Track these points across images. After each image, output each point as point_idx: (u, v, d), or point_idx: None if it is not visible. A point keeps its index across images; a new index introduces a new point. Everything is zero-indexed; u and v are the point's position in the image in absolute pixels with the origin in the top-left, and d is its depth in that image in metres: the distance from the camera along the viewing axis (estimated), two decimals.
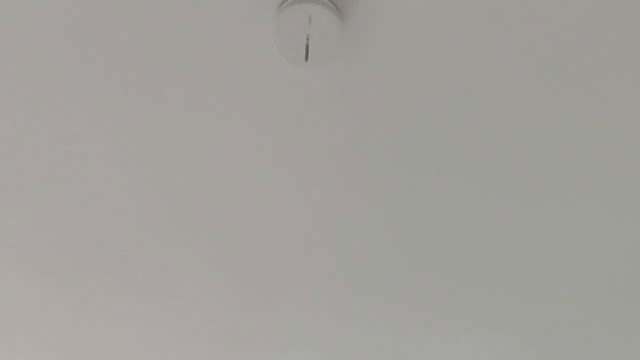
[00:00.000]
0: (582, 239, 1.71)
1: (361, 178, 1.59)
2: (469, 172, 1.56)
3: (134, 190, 1.65)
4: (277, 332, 2.07)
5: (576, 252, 1.75)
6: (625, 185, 1.56)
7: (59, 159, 1.58)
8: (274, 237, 1.76)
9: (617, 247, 1.72)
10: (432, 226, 1.70)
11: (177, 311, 2.02)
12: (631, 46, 1.30)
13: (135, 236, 1.77)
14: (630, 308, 1.90)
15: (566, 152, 1.50)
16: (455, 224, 1.69)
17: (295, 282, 1.89)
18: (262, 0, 1.26)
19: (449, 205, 1.64)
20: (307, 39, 1.25)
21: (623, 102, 1.39)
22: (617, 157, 1.51)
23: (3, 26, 1.32)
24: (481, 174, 1.56)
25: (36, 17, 1.31)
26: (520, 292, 1.88)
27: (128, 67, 1.39)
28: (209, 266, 1.86)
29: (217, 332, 2.08)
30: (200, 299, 1.97)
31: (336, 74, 1.38)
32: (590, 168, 1.53)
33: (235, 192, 1.64)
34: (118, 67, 1.39)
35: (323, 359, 2.14)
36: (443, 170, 1.56)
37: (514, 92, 1.39)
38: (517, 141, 1.49)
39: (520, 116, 1.44)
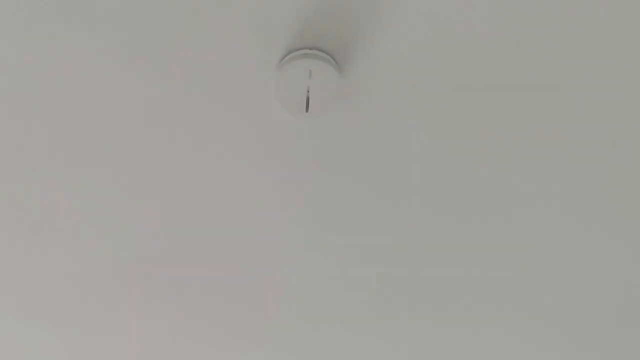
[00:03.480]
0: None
1: (362, 227, 1.62)
2: (473, 208, 1.59)
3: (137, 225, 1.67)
4: None
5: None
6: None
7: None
8: (274, 282, 1.78)
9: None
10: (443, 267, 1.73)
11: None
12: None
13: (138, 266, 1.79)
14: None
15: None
16: (464, 259, 1.72)
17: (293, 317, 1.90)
18: (263, 56, 1.31)
19: (456, 242, 1.67)
20: (308, 91, 1.30)
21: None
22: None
23: None
24: (488, 202, 1.60)
25: None
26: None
27: (128, 119, 1.43)
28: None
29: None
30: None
31: (336, 124, 1.42)
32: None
33: (235, 241, 1.67)
34: (115, 124, 1.43)
35: None
36: (447, 208, 1.59)
37: (517, 134, 1.44)
38: (527, 158, 1.53)
39: (527, 147, 1.48)
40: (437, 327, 1.89)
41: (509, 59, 1.30)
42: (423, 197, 1.55)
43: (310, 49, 1.30)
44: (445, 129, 1.42)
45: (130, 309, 1.87)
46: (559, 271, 1.71)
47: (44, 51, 1.31)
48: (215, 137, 1.45)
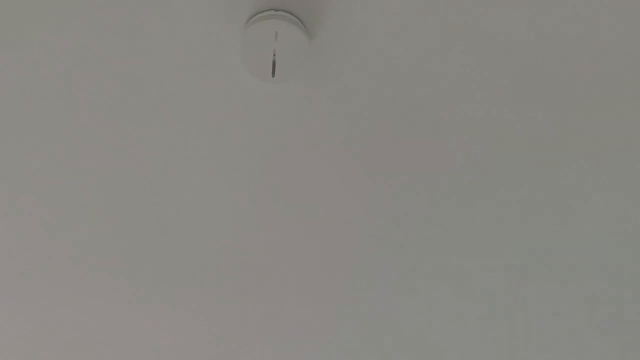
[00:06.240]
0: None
1: (329, 195, 1.59)
2: (443, 177, 1.57)
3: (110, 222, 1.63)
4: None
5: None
6: None
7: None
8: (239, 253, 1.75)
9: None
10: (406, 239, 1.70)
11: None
12: None
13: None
14: None
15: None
16: (439, 237, 1.69)
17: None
18: (229, 17, 1.27)
19: (425, 216, 1.65)
20: (274, 55, 1.26)
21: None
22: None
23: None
24: (455, 177, 1.57)
25: None
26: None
27: (93, 99, 1.38)
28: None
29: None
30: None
31: (304, 90, 1.38)
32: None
33: (201, 209, 1.63)
34: (87, 102, 1.38)
35: None
36: (416, 177, 1.56)
37: (483, 109, 1.41)
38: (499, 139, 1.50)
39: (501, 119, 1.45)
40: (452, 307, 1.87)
41: (479, 31, 1.27)
42: (394, 167, 1.52)
43: (277, 10, 1.25)
44: (417, 97, 1.38)
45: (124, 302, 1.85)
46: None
47: None
48: (179, 103, 1.41)
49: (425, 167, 1.51)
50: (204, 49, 1.32)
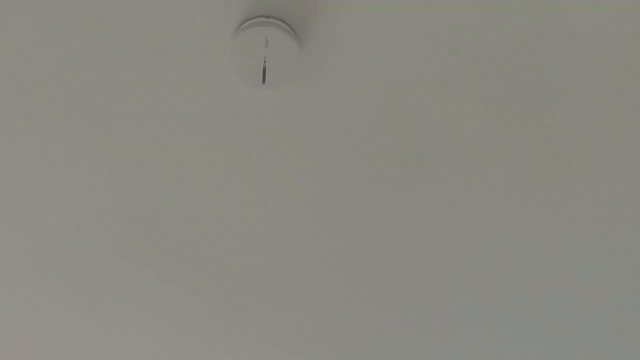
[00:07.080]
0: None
1: (320, 201, 1.59)
2: (434, 182, 1.57)
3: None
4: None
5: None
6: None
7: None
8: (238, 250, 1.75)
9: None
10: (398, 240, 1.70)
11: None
12: None
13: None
14: None
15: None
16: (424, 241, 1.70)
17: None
18: (219, 24, 1.27)
19: (410, 223, 1.65)
20: (264, 61, 1.26)
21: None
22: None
23: None
24: (451, 175, 1.57)
25: None
26: None
27: (80, 110, 1.38)
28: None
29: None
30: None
31: (294, 97, 1.38)
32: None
33: (192, 215, 1.63)
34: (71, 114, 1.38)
35: None
36: (408, 185, 1.56)
37: (472, 108, 1.41)
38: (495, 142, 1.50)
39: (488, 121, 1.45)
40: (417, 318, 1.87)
41: (472, 38, 1.27)
42: (382, 175, 1.52)
43: (267, 17, 1.25)
44: (407, 104, 1.39)
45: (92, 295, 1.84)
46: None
47: None
48: (168, 108, 1.41)
49: (414, 175, 1.51)
50: (194, 55, 1.32)
